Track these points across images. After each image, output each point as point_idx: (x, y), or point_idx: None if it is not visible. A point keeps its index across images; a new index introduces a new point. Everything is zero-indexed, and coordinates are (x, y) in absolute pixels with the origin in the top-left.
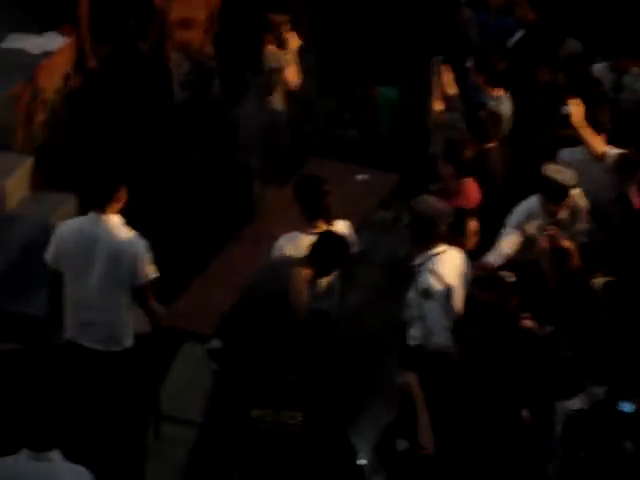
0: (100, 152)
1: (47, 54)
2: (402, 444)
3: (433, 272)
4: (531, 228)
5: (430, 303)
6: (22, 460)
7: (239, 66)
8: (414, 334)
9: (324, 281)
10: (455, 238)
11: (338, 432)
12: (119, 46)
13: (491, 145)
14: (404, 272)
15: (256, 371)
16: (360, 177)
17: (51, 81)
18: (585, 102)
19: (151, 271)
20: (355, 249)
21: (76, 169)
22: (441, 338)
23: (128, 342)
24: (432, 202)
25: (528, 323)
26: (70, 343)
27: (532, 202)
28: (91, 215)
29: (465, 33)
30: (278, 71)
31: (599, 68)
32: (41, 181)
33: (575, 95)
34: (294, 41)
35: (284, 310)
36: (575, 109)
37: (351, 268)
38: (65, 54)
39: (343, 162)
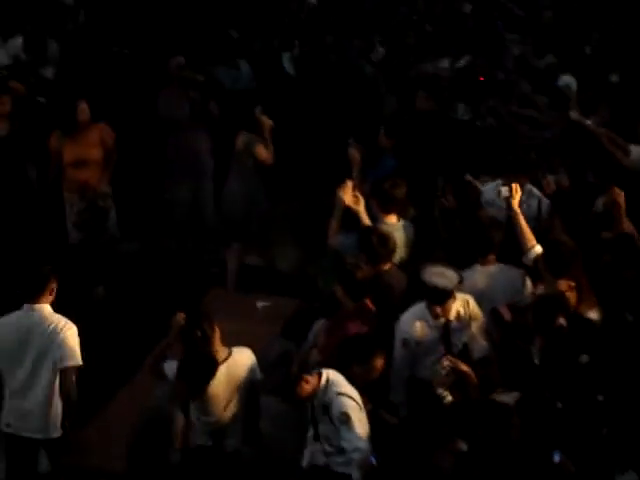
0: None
1: None
2: None
3: (343, 394)
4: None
5: (350, 426)
6: None
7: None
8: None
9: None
10: (358, 366)
11: None
12: (14, 187)
13: (385, 267)
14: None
15: None
16: (260, 304)
17: None
18: (476, 226)
19: (77, 357)
20: (257, 377)
21: None
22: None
23: (56, 432)
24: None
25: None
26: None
27: (417, 308)
28: (24, 308)
29: None
30: (251, 153)
31: (490, 189)
32: None
33: (466, 219)
34: (267, 123)
35: None
36: (513, 193)
37: (255, 397)
38: None
39: (244, 292)
